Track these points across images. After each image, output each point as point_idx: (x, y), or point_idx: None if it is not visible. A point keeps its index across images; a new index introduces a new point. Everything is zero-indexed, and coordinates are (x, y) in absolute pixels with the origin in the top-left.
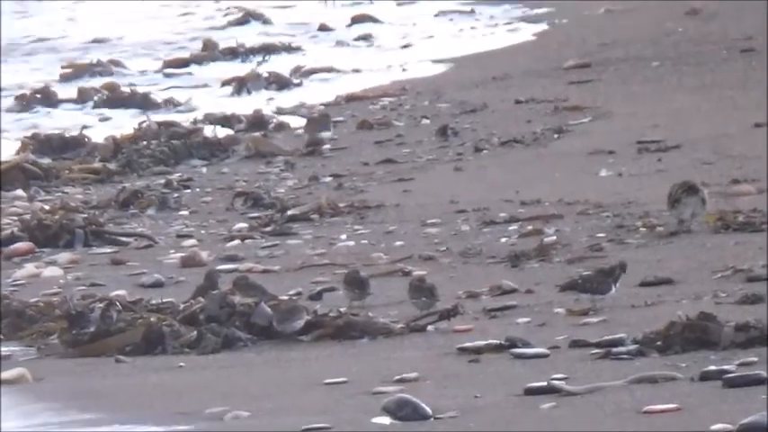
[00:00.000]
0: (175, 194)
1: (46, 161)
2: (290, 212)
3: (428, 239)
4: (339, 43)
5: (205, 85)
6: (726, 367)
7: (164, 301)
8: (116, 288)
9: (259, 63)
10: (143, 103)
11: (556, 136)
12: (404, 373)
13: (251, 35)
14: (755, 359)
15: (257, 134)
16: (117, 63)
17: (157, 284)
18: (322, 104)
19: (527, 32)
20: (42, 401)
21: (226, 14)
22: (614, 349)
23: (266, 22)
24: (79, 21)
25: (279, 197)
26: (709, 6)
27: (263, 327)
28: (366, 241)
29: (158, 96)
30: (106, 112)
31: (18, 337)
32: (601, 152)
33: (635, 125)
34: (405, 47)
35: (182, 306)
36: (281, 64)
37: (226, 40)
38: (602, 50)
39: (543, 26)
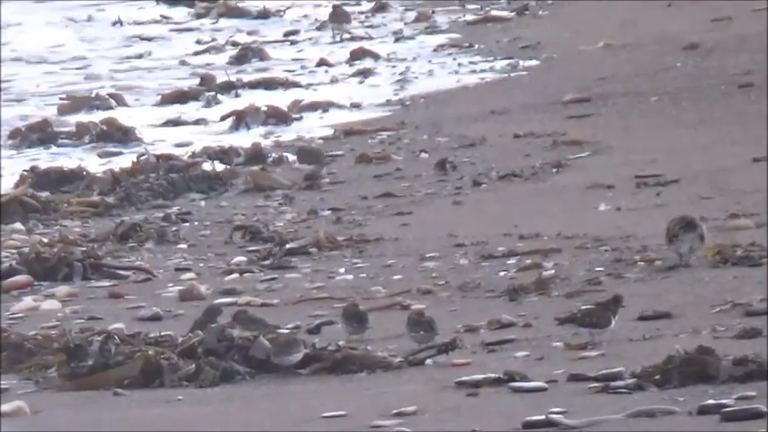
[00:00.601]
0: (174, 228)
1: (44, 194)
2: (288, 246)
3: (426, 273)
4: (338, 78)
5: (203, 120)
6: (724, 401)
7: (162, 334)
8: (114, 321)
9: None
10: (139, 138)
11: (554, 170)
12: (402, 407)
13: (249, 70)
14: (754, 393)
15: (256, 168)
16: (116, 96)
17: (156, 318)
18: (320, 138)
19: (526, 67)
20: None
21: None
22: (612, 383)
23: (264, 57)
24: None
25: (277, 231)
26: (707, 41)
27: (262, 360)
28: (365, 275)
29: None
30: (104, 147)
31: (16, 370)
32: (599, 186)
33: (634, 159)
34: (403, 81)
35: (180, 339)
36: (279, 99)
37: (224, 74)
38: (600, 85)
39: (542, 60)
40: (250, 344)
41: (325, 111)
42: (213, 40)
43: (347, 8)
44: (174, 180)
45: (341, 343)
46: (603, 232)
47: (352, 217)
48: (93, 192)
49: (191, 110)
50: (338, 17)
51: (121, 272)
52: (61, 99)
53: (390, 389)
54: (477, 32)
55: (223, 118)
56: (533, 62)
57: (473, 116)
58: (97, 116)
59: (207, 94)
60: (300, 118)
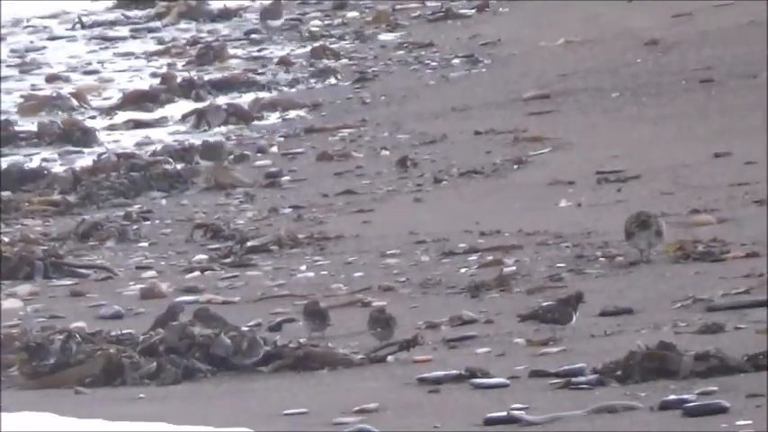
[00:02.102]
0: (135, 226)
1: (5, 194)
2: (249, 244)
3: (388, 270)
4: (299, 77)
5: (164, 119)
6: (686, 396)
7: (123, 332)
8: (76, 320)
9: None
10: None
11: (515, 167)
12: (364, 404)
13: (210, 69)
14: (716, 388)
15: (216, 166)
16: (77, 96)
17: (117, 316)
18: (281, 137)
19: (486, 64)
20: None
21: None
22: (574, 379)
23: (225, 57)
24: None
25: (238, 229)
26: (668, 37)
27: (223, 358)
28: (326, 272)
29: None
30: (65, 147)
31: None
32: (560, 183)
33: (594, 156)
34: (364, 79)
35: (141, 337)
36: (240, 98)
37: (185, 74)
38: (561, 81)
39: (502, 57)
40: (211, 341)
41: (286, 109)
42: (174, 39)
43: (307, 7)
44: (134, 179)
45: (302, 340)
46: (564, 229)
47: (313, 215)
48: (54, 191)
49: (151, 109)
50: (268, 14)
51: (82, 270)
52: (22, 96)
53: (352, 386)
54: (437, 29)
55: (184, 117)
56: (494, 59)
57: (434, 113)
58: (58, 117)
59: (168, 93)
60: (262, 117)
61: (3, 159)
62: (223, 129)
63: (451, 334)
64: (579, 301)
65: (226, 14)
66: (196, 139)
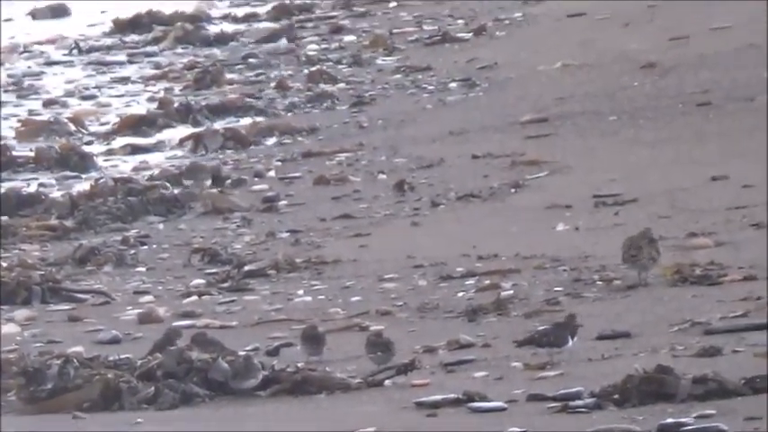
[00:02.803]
0: (132, 251)
1: (3, 218)
2: (247, 268)
3: (385, 294)
4: (296, 101)
5: (162, 143)
6: (683, 420)
7: (121, 357)
8: (73, 345)
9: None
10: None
11: (513, 190)
12: (362, 428)
13: (207, 94)
14: (713, 412)
15: (214, 190)
16: (76, 121)
17: (114, 341)
18: (279, 161)
19: (483, 87)
20: None
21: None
22: (572, 403)
23: (222, 81)
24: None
25: (236, 253)
26: (665, 60)
27: (221, 382)
28: (323, 297)
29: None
30: (62, 172)
31: None
32: (558, 206)
33: (592, 179)
34: (361, 103)
35: (139, 362)
36: (238, 122)
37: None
38: (558, 105)
39: (500, 81)
40: (209, 366)
41: (284, 134)
42: (171, 64)
43: (304, 30)
44: (132, 203)
45: (300, 365)
46: (562, 252)
47: (310, 239)
48: (51, 216)
49: (149, 134)
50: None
51: (80, 295)
52: (19, 124)
53: (350, 410)
54: (434, 53)
55: (181, 141)
56: (491, 83)
57: (431, 137)
58: (56, 142)
59: (165, 118)
60: (259, 141)
61: (1, 184)
62: (220, 153)
63: (449, 358)
64: (575, 324)
65: (222, 39)
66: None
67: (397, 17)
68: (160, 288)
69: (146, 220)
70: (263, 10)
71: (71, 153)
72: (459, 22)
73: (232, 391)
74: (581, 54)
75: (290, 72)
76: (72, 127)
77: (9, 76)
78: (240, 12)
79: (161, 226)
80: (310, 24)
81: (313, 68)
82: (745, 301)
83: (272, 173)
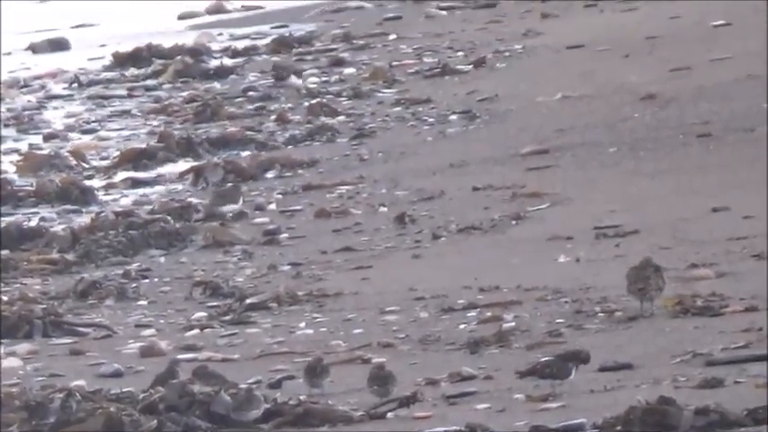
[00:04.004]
0: (134, 285)
1: (4, 252)
2: (248, 301)
3: (387, 327)
4: (296, 134)
5: (162, 176)
6: None
7: (123, 390)
8: (75, 378)
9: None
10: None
11: (514, 222)
12: None
13: (208, 127)
14: None
15: (215, 224)
16: (77, 155)
17: (117, 374)
18: (279, 194)
19: (483, 119)
20: None
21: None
22: None
23: (222, 114)
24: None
25: (237, 286)
26: (665, 91)
27: (223, 415)
28: (325, 329)
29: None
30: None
31: None
32: (559, 238)
33: (592, 211)
34: (361, 136)
35: (141, 396)
36: (238, 155)
37: (183, 132)
38: (558, 136)
39: (500, 113)
40: (211, 399)
41: (284, 166)
42: (171, 97)
43: (304, 64)
44: (133, 237)
45: (302, 397)
46: (563, 284)
47: (311, 272)
48: (52, 249)
49: (149, 167)
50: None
51: (82, 329)
52: (20, 158)
53: None
54: (434, 86)
55: (182, 175)
56: (491, 115)
57: (431, 169)
58: (56, 176)
59: (165, 151)
60: (259, 174)
61: (2, 218)
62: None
63: (451, 390)
64: (578, 357)
65: (222, 72)
66: (194, 198)
67: (397, 49)
68: (162, 321)
69: (147, 254)
70: (262, 43)
71: (72, 187)
72: (459, 54)
73: (234, 424)
74: (581, 85)
75: (290, 105)
76: (73, 161)
77: (9, 110)
78: (240, 45)
79: (162, 259)
80: (310, 57)
81: (313, 101)
82: (746, 333)
83: (272, 206)
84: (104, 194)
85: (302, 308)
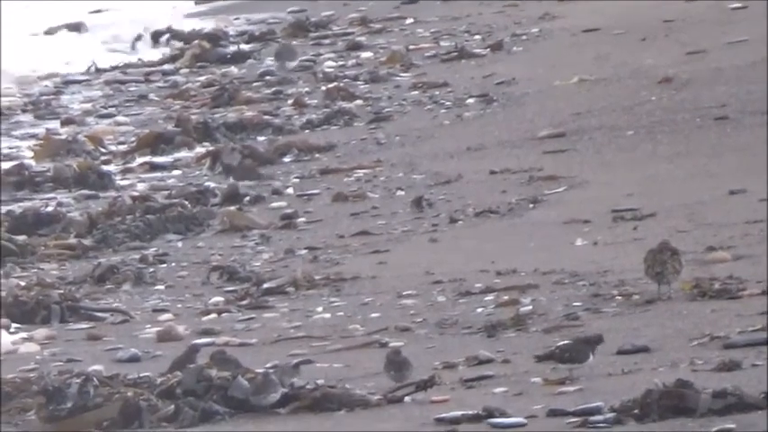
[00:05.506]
0: (151, 269)
1: (21, 238)
2: (265, 286)
3: (404, 311)
4: (313, 118)
5: (179, 161)
6: None
7: (140, 375)
8: (93, 363)
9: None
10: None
11: (531, 206)
12: None
13: (225, 112)
14: (733, 426)
15: (232, 208)
16: (94, 140)
17: (134, 359)
18: (297, 178)
19: (500, 103)
20: None
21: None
22: (591, 418)
23: (240, 98)
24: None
25: (254, 270)
26: (682, 74)
27: (241, 400)
28: (342, 313)
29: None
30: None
31: None
32: (576, 221)
33: (610, 194)
34: (378, 120)
35: (159, 380)
36: (255, 140)
37: (200, 116)
38: (575, 120)
39: (517, 96)
40: (229, 384)
41: (301, 151)
42: (188, 82)
43: (321, 48)
44: (150, 221)
45: (319, 381)
46: (581, 267)
47: (328, 256)
48: (70, 234)
49: (167, 152)
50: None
51: (99, 314)
52: (37, 143)
53: (369, 427)
54: (451, 69)
55: (199, 159)
56: (508, 98)
57: (449, 153)
58: (74, 161)
59: (183, 136)
60: (277, 158)
61: (19, 204)
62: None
63: (468, 374)
64: (597, 341)
65: (240, 57)
66: (212, 182)
67: (414, 33)
68: (179, 306)
69: (164, 239)
70: (279, 27)
71: (89, 172)
72: (476, 37)
73: (252, 409)
74: (597, 69)
75: (307, 89)
76: (90, 146)
77: (26, 95)
78: (257, 29)
79: (179, 244)
80: (327, 41)
81: (330, 85)
82: (763, 315)
83: (290, 190)
84: (121, 179)
85: (319, 292)
